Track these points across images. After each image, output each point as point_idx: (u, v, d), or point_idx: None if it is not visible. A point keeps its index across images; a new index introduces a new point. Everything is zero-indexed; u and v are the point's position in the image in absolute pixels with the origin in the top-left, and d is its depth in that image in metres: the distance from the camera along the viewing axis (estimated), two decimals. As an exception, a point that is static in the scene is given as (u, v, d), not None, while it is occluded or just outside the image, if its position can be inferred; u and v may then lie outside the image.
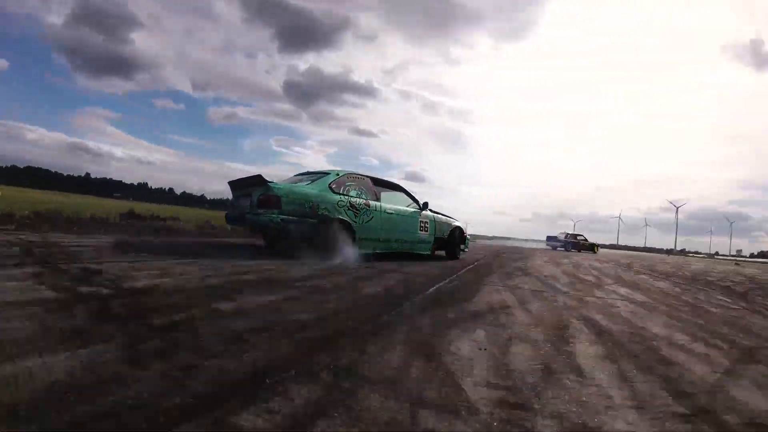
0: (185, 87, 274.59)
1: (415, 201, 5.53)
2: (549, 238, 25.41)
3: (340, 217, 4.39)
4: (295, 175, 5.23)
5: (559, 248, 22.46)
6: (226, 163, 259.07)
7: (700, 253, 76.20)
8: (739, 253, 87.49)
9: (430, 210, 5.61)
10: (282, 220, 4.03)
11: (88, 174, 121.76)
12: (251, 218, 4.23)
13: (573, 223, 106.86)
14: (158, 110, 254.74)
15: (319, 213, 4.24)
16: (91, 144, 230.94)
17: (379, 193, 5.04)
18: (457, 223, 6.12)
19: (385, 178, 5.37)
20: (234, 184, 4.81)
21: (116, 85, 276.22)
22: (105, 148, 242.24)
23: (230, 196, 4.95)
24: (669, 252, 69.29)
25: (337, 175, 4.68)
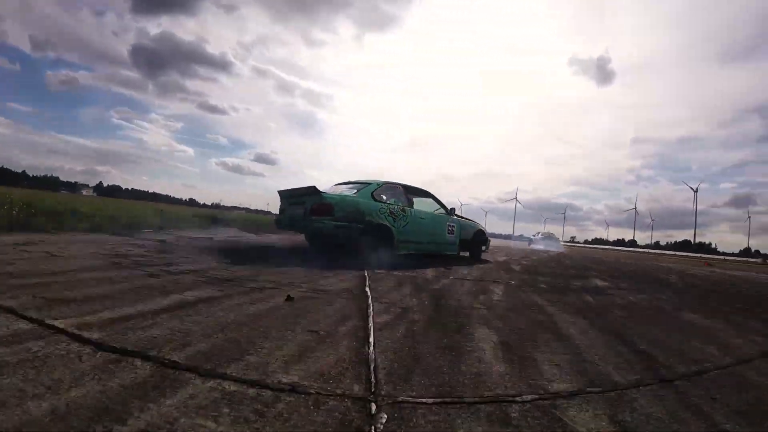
0: (24, 44, 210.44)
1: (443, 206, 5.99)
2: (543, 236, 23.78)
3: (382, 222, 4.68)
4: (336, 185, 5.38)
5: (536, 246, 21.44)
6: (61, 135, 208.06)
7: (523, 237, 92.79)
8: (573, 239, 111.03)
9: (456, 215, 6.14)
10: (335, 226, 4.27)
11: None
12: (306, 224, 4.55)
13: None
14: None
15: (366, 219, 4.50)
16: None
17: (412, 199, 5.40)
18: (479, 227, 6.76)
19: (417, 186, 5.70)
20: (285, 193, 5.17)
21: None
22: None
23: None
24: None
25: (378, 185, 4.97)
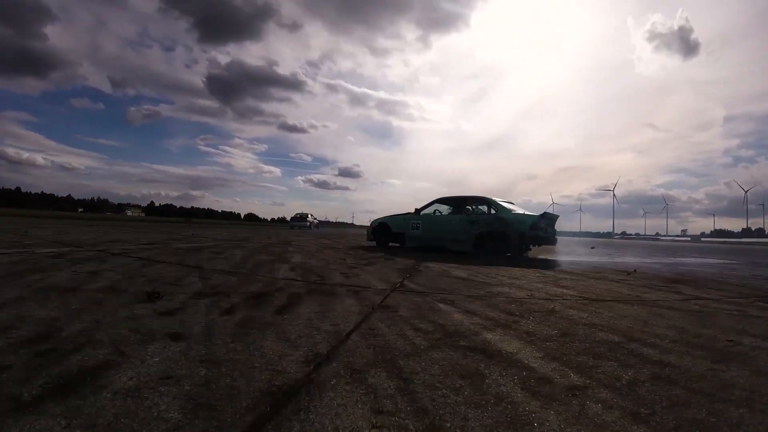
0: (103, 85, 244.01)
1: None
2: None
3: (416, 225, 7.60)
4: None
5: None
6: (154, 165, 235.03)
7: (640, 236, 78.97)
8: (684, 232, 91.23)
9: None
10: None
11: (18, 188, 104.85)
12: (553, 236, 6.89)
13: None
14: (76, 111, 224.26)
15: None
16: (10, 151, 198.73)
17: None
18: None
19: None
20: (551, 216, 6.84)
21: (30, 85, 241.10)
22: (25, 155, 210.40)
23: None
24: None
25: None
